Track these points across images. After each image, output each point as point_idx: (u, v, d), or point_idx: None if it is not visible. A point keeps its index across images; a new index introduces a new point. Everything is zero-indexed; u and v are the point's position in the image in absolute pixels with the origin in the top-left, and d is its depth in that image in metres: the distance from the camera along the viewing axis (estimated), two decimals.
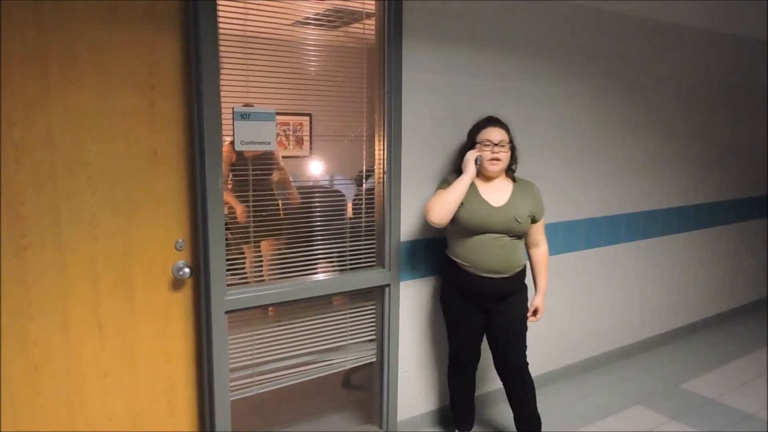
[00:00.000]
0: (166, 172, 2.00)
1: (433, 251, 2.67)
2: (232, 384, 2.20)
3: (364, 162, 2.51)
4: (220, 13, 1.97)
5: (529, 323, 2.47)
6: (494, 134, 2.33)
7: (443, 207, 2.26)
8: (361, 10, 2.37)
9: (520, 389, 2.48)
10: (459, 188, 2.27)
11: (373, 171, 2.50)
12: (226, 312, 2.10)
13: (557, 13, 2.94)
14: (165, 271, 2.05)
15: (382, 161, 2.47)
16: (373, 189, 2.53)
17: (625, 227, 3.52)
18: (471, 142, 2.41)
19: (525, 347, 2.48)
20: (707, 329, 4.29)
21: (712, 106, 3.95)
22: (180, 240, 2.05)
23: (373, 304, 2.60)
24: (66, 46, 1.78)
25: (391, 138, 2.44)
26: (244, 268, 2.19)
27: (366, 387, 2.99)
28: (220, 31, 1.98)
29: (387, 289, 2.55)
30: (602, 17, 3.15)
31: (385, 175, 2.47)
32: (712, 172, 4.09)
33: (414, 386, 2.76)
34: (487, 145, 2.32)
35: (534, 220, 2.41)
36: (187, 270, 2.05)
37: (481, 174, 2.38)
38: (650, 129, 3.56)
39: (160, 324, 2.07)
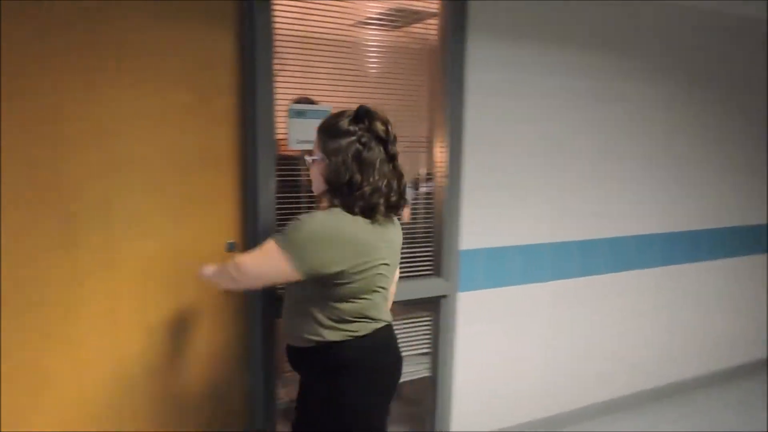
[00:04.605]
0: (218, 171, 1.94)
1: (495, 262, 2.50)
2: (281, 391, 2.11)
3: (425, 165, 2.37)
4: (276, 11, 1.90)
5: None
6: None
7: None
8: (424, 9, 2.24)
9: None
10: None
11: (433, 175, 2.36)
12: (278, 317, 2.01)
13: (637, 9, 2.69)
14: None
15: (442, 165, 2.32)
16: (432, 193, 2.38)
17: (689, 245, 3.17)
18: None
19: None
20: None
21: None
22: (231, 242, 1.97)
23: (428, 315, 2.45)
24: (119, 41, 1.74)
25: (453, 141, 2.28)
26: None
27: (418, 400, 2.84)
28: (276, 29, 1.90)
29: (444, 300, 2.39)
30: (692, 15, 2.87)
31: (445, 180, 2.32)
32: None
33: (469, 404, 2.59)
34: None
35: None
36: None
37: None
38: (739, 137, 3.22)
39: (210, 327, 2.00)
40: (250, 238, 1.96)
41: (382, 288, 1.51)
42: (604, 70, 2.65)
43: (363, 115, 1.46)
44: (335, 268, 1.38)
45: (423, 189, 2.40)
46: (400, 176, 1.49)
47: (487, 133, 2.38)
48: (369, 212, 1.42)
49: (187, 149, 1.88)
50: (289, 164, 2.03)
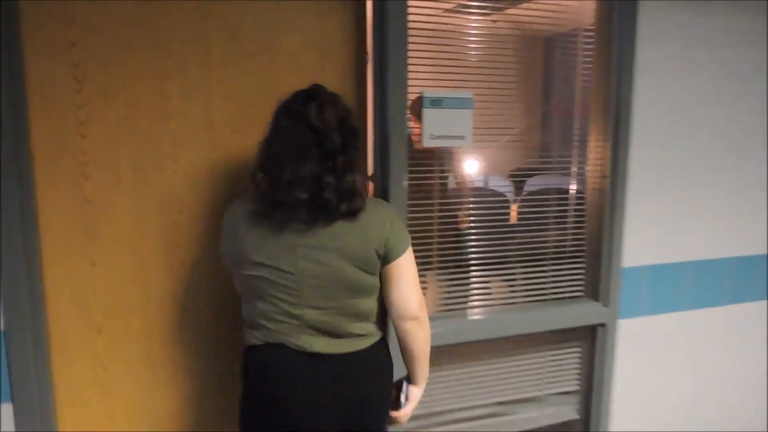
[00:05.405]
0: None
1: (662, 282, 2.02)
2: None
3: (574, 163, 1.94)
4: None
5: None
6: None
7: None
8: None
9: None
10: None
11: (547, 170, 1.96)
12: None
13: None
14: None
15: (600, 163, 1.88)
16: (583, 197, 1.95)
17: None
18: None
19: None
20: None
21: None
22: None
23: (577, 347, 2.02)
24: (228, 23, 1.47)
25: (618, 133, 1.84)
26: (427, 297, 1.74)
27: None
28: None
29: (601, 329, 1.95)
30: None
31: (605, 182, 1.87)
32: None
33: None
34: None
35: None
36: None
37: None
38: None
39: None
40: None
41: (277, 299, 1.22)
42: None
43: (308, 97, 1.21)
44: (224, 260, 1.31)
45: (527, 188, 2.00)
46: (341, 173, 1.17)
47: (656, 124, 1.91)
48: (273, 211, 1.18)
49: None
50: (424, 162, 1.68)
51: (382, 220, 1.23)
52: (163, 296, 1.52)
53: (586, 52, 1.89)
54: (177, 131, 1.46)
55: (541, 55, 2.02)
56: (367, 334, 1.29)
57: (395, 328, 1.31)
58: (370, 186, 1.82)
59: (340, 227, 1.19)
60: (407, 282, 1.27)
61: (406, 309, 1.27)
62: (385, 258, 1.24)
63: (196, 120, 1.47)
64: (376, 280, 1.26)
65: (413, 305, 1.27)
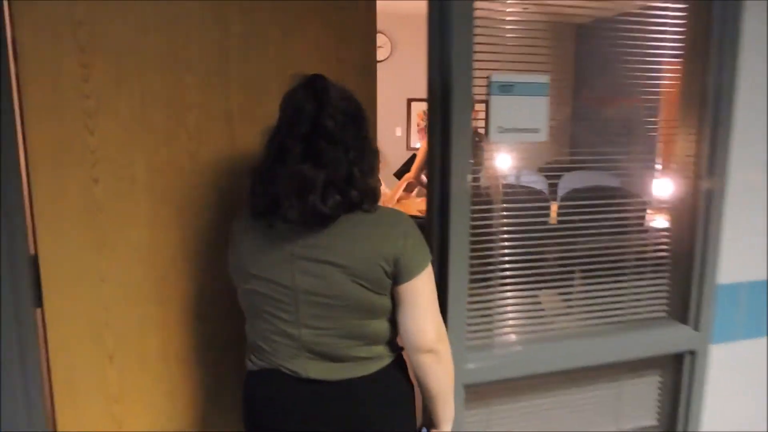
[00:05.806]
0: None
1: (762, 299, 1.72)
2: None
3: (659, 156, 1.66)
4: None
5: None
6: None
7: None
8: None
9: None
10: None
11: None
12: (465, 385, 1.41)
13: None
14: None
15: (696, 159, 1.60)
16: (667, 200, 1.67)
17: None
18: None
19: None
20: None
21: None
22: None
23: (658, 375, 1.74)
24: (248, 5, 1.25)
25: (718, 124, 1.55)
26: (488, 323, 1.49)
27: None
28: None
29: (689, 356, 1.66)
30: None
31: (701, 182, 1.58)
32: None
33: None
34: None
35: None
36: None
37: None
38: None
39: None
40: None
41: (273, 316, 1.08)
42: None
43: (303, 85, 1.04)
44: (230, 271, 1.16)
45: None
46: (315, 170, 0.99)
47: (762, 114, 1.61)
48: (263, 212, 1.06)
49: None
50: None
51: (396, 233, 1.05)
52: (184, 314, 1.32)
53: (674, 29, 1.60)
54: (195, 125, 1.24)
55: (612, 36, 1.74)
56: (376, 356, 1.11)
57: (411, 360, 1.11)
58: (394, 191, 1.58)
59: (342, 237, 1.03)
60: (422, 308, 1.08)
61: (420, 340, 1.08)
62: (396, 278, 1.05)
63: (214, 110, 1.26)
64: (385, 300, 1.07)
65: (428, 336, 1.08)
